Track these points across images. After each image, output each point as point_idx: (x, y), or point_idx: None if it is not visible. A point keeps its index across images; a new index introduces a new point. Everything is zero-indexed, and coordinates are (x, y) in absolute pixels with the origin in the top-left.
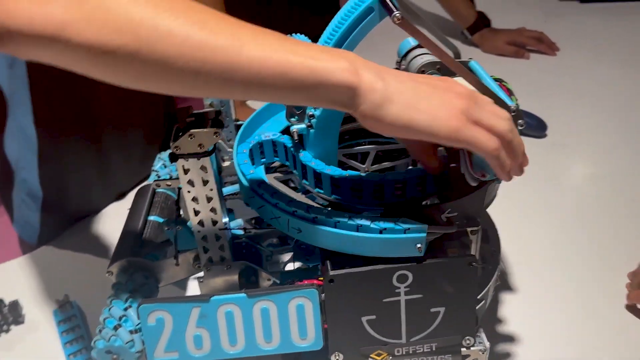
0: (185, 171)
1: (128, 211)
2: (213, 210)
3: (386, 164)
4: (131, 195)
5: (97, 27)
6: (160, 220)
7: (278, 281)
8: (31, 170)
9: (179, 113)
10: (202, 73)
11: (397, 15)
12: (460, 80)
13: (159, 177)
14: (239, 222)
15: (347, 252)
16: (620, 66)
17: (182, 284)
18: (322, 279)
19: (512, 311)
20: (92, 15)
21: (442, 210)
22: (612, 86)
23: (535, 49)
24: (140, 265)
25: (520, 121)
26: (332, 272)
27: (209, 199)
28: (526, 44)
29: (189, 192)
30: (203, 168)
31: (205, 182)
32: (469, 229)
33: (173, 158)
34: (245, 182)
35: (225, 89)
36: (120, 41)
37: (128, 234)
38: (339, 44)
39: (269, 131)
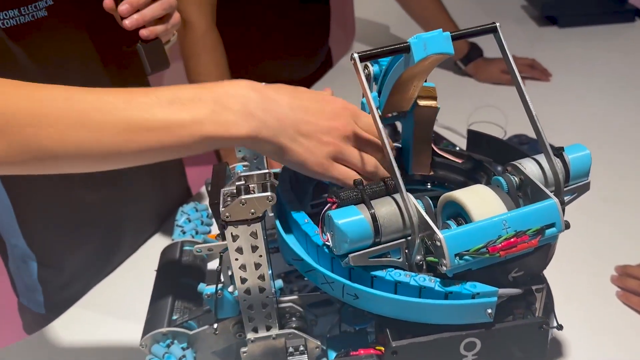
0: (234, 238)
1: (155, 273)
2: (261, 277)
3: None
4: (142, 251)
5: None
6: (194, 283)
7: (324, 347)
8: (16, 234)
9: (215, 171)
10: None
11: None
12: None
13: (183, 232)
14: (279, 283)
15: (410, 320)
16: (609, 88)
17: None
18: (380, 348)
19: None
20: None
21: (508, 270)
22: (607, 108)
23: (529, 75)
24: (176, 335)
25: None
26: (394, 343)
27: (258, 266)
28: (520, 71)
29: (236, 259)
30: (253, 234)
31: (254, 249)
32: (534, 288)
33: (223, 226)
34: (289, 243)
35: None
36: None
37: (159, 300)
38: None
39: None
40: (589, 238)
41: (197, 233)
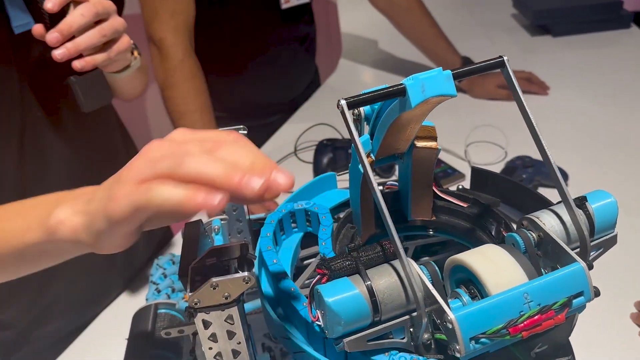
0: (206, 325)
1: (126, 342)
2: None
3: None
4: (115, 306)
5: None
6: (169, 356)
7: None
8: None
9: (186, 236)
10: None
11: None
12: None
13: (158, 291)
14: (265, 358)
15: None
16: (609, 98)
17: None
18: None
19: None
20: None
21: (530, 347)
22: (607, 121)
23: (526, 89)
24: None
25: None
26: None
27: (236, 354)
28: None
29: (210, 348)
30: (229, 318)
31: (231, 335)
32: None
33: (191, 313)
34: (274, 317)
35: None
36: None
37: None
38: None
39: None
40: (604, 269)
41: (173, 291)
